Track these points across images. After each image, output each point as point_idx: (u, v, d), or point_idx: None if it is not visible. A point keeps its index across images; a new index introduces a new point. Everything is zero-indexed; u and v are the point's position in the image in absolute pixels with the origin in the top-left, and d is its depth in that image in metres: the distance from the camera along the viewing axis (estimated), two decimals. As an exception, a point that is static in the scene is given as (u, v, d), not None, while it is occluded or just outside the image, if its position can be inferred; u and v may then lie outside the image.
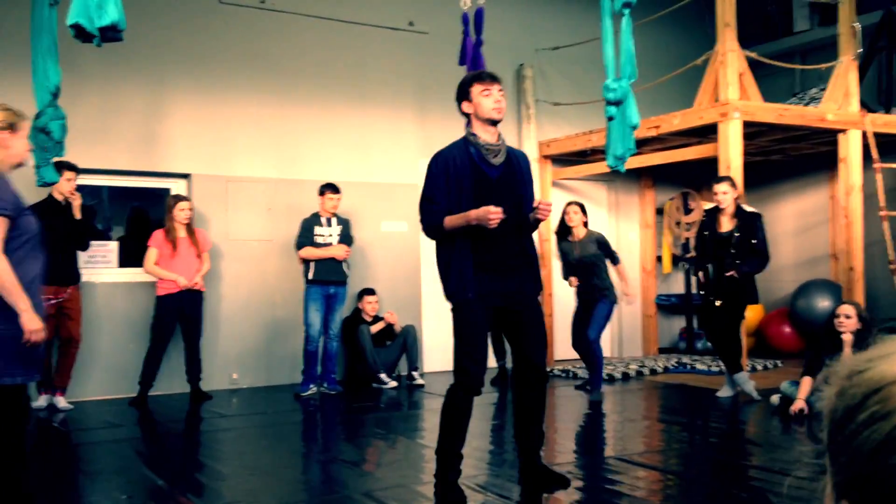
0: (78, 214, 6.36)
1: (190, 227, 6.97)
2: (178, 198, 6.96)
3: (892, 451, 0.62)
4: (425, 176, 3.84)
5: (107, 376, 7.09)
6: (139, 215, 7.86)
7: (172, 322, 6.87)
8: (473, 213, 3.61)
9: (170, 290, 6.81)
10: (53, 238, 6.30)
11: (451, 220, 3.70)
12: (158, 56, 7.44)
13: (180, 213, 6.87)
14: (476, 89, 3.79)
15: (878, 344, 0.71)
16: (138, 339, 7.08)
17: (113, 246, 7.45)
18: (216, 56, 7.68)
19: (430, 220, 3.77)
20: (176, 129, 7.52)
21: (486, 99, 3.77)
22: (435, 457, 3.85)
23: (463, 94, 3.85)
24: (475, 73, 3.92)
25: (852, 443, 0.65)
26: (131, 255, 7.33)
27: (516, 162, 3.92)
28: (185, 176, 7.64)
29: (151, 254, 6.86)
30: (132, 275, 7.26)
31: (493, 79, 3.82)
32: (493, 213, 3.54)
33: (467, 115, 3.89)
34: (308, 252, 7.14)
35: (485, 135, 3.83)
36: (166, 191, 7.52)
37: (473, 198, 3.71)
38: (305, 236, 7.17)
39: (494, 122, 3.83)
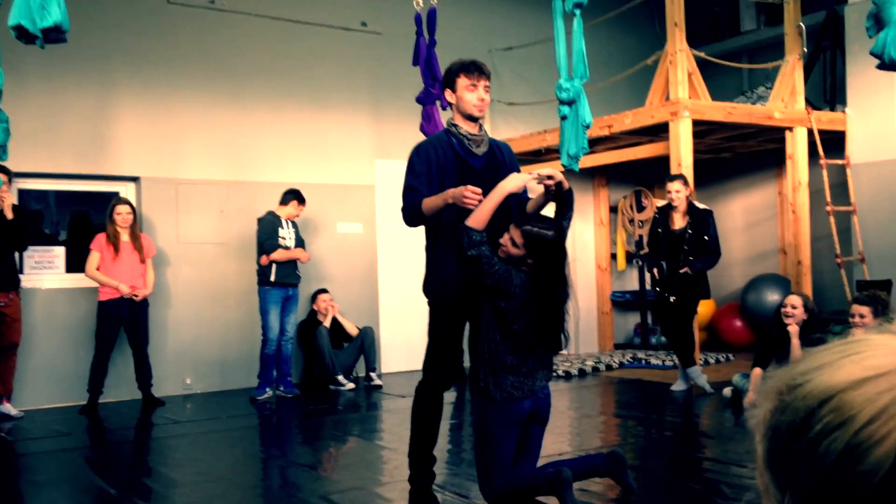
0: (10, 214, 6.18)
1: (134, 232, 6.83)
2: (118, 201, 6.83)
3: (857, 459, 0.61)
4: (407, 167, 3.68)
5: (56, 384, 6.92)
6: (81, 219, 7.68)
7: (115, 328, 6.73)
8: (451, 192, 3.42)
9: (111, 295, 6.67)
10: None
11: (429, 202, 3.54)
12: (104, 57, 7.28)
13: (118, 216, 6.73)
14: (462, 81, 3.64)
15: (807, 357, 0.69)
16: (87, 346, 6.91)
17: (59, 251, 7.28)
18: (164, 56, 7.55)
19: (410, 202, 3.60)
20: (123, 132, 7.37)
21: (471, 94, 3.63)
22: (407, 460, 3.78)
23: (448, 82, 3.70)
24: (465, 62, 3.68)
25: (811, 455, 0.63)
26: (75, 261, 7.18)
27: (499, 152, 3.81)
28: (135, 179, 7.50)
29: (93, 258, 6.71)
30: (78, 280, 7.10)
31: (482, 72, 3.65)
32: (469, 192, 3.34)
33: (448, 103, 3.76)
34: (280, 254, 7.04)
35: (466, 125, 3.72)
36: (115, 194, 7.37)
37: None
38: (273, 237, 7.05)
39: (475, 119, 3.72)
